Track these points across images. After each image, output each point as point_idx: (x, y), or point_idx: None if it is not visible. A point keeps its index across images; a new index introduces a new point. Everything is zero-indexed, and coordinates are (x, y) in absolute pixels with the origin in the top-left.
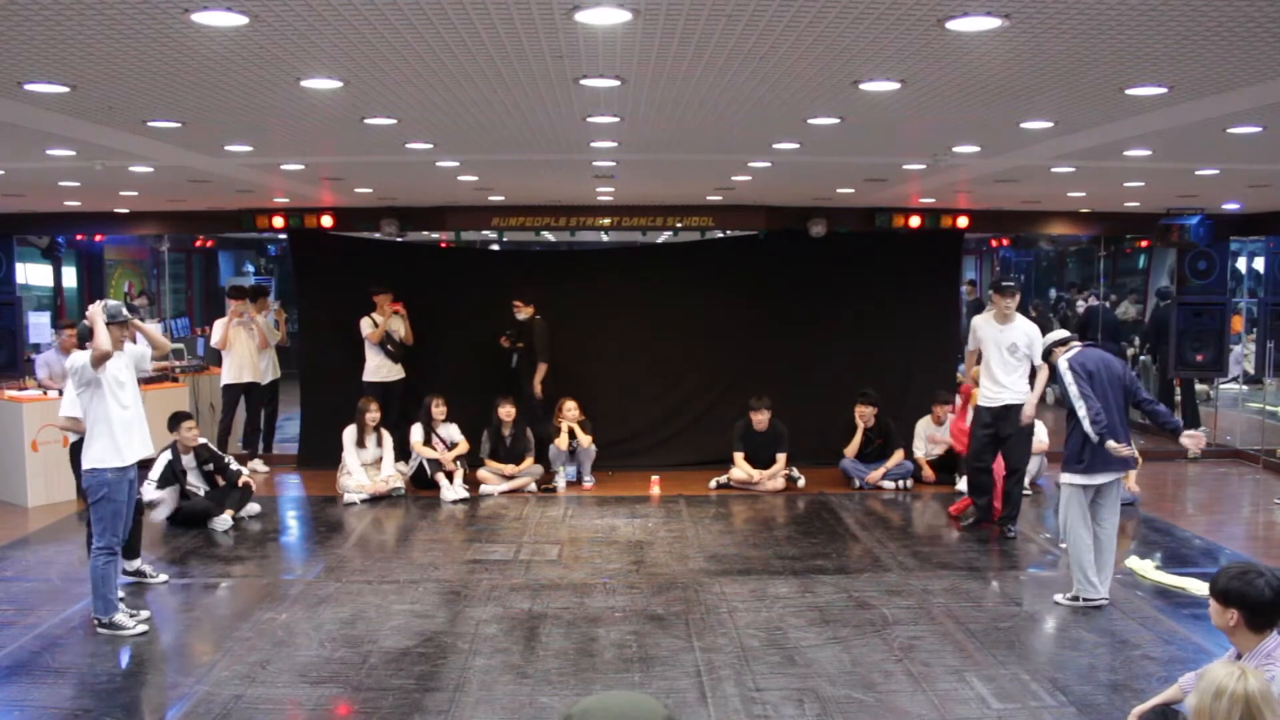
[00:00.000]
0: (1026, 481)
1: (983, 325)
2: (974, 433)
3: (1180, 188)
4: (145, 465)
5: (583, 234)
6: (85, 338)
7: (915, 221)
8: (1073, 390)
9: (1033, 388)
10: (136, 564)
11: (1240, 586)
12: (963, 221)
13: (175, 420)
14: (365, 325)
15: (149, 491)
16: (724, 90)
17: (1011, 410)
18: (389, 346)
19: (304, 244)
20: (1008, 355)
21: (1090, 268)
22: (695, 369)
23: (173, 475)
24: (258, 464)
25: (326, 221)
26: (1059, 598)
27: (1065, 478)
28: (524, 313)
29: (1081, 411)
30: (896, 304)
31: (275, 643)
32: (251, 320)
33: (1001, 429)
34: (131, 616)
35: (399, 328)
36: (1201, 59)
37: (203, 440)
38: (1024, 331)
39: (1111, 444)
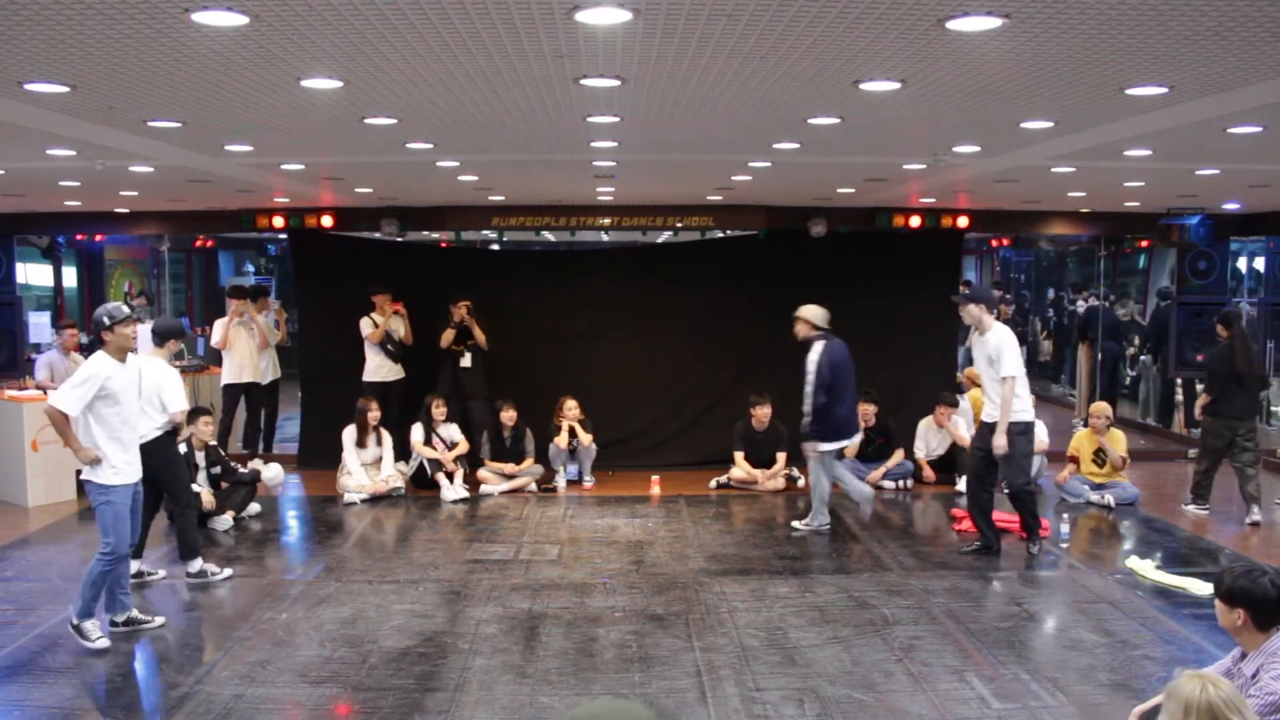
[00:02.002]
0: None
1: (973, 339)
2: (972, 447)
3: (1180, 188)
4: None
5: (583, 234)
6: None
7: (915, 221)
8: (810, 387)
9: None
10: (136, 565)
11: (1246, 586)
12: (963, 221)
13: (193, 415)
14: (365, 325)
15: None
16: (724, 90)
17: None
18: (389, 346)
19: (304, 244)
20: (986, 367)
21: (1090, 268)
22: (695, 369)
23: (189, 469)
24: (258, 463)
25: (326, 221)
26: (797, 524)
27: (823, 447)
28: (462, 313)
29: (807, 406)
30: (896, 304)
31: (275, 642)
32: (252, 320)
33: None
34: (129, 633)
35: (399, 328)
36: (1201, 59)
37: (214, 443)
38: (994, 341)
39: (806, 446)
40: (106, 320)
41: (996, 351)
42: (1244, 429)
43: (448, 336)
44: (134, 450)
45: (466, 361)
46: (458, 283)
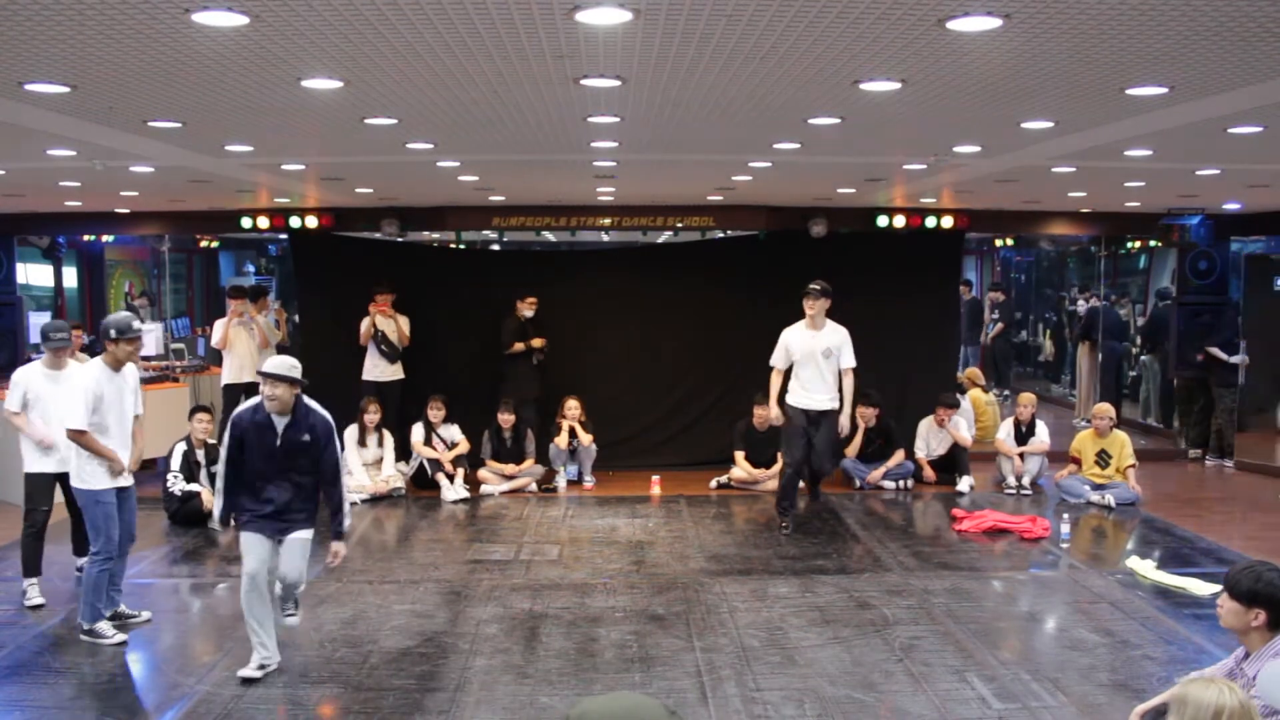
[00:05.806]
0: (1027, 481)
1: (793, 336)
2: (788, 433)
3: (1180, 188)
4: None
5: (583, 234)
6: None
7: (916, 222)
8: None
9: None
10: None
11: (1266, 588)
12: (963, 222)
13: (191, 413)
14: (365, 325)
15: (179, 484)
16: (724, 90)
17: (827, 415)
18: (383, 347)
19: (304, 244)
20: (821, 360)
21: (1090, 268)
22: (696, 369)
23: (189, 468)
24: None
25: (327, 222)
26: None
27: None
28: (532, 309)
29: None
30: (896, 304)
31: (276, 643)
32: (252, 320)
33: (812, 433)
34: (116, 627)
35: (387, 328)
36: (1201, 59)
37: (214, 441)
38: (835, 336)
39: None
40: (114, 333)
41: (839, 345)
42: (1215, 392)
43: (517, 346)
44: (123, 451)
45: (535, 361)
46: (458, 283)
